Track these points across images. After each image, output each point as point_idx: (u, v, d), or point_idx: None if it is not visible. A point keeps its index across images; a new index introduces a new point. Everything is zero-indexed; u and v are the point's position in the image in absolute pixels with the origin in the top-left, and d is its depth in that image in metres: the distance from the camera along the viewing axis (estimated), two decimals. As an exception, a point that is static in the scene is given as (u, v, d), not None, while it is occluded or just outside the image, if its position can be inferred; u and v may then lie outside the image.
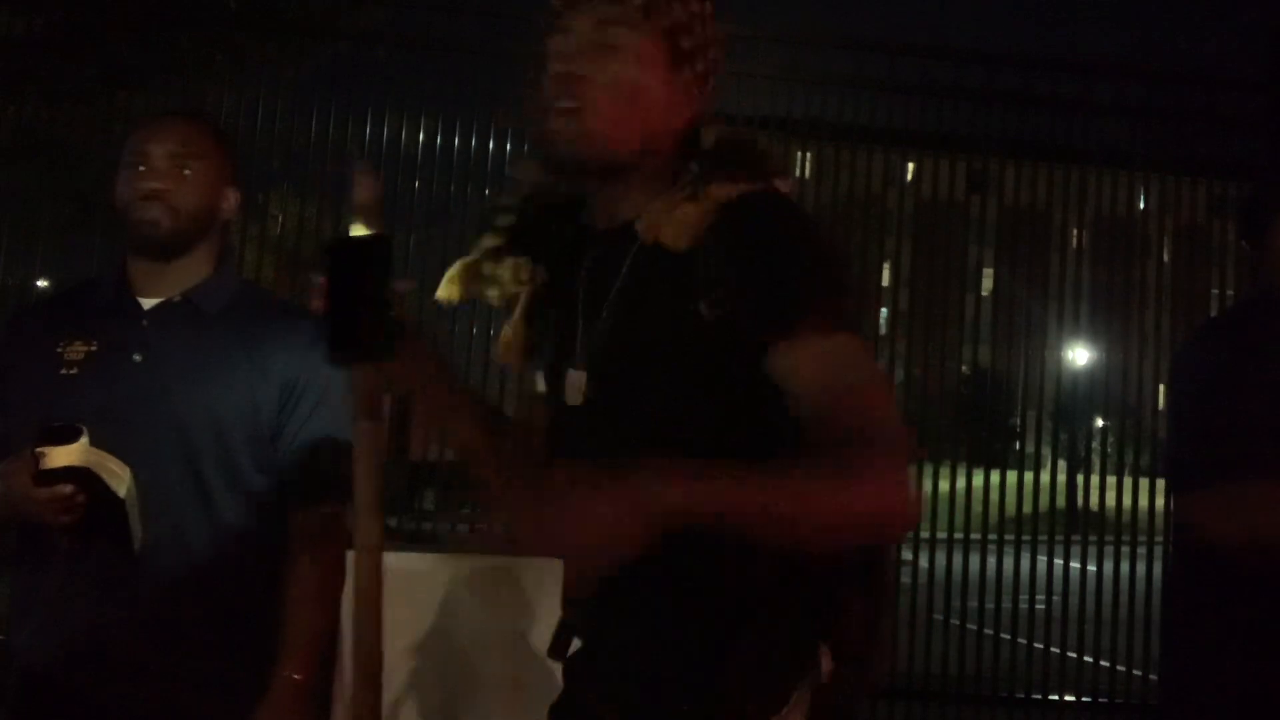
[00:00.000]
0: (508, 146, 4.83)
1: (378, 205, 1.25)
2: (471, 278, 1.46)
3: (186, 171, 1.98)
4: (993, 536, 5.51)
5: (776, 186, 1.33)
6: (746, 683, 1.29)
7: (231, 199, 2.07)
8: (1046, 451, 6.16)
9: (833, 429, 1.20)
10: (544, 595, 3.90)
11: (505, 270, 1.45)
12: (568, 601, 1.46)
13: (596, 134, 1.31)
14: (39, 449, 1.73)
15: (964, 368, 5.90)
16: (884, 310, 6.02)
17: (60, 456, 1.73)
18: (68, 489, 1.74)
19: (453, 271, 1.47)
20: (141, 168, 1.96)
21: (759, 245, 1.26)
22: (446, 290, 1.46)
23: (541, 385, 1.49)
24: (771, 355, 1.24)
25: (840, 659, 1.30)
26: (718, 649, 1.29)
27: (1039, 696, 5.15)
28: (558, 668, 1.51)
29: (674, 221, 1.29)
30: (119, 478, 1.78)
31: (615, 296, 1.35)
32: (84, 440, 1.75)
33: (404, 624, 3.89)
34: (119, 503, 1.78)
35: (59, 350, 1.96)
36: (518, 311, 1.46)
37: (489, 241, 1.45)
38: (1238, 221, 2.52)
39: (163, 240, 1.97)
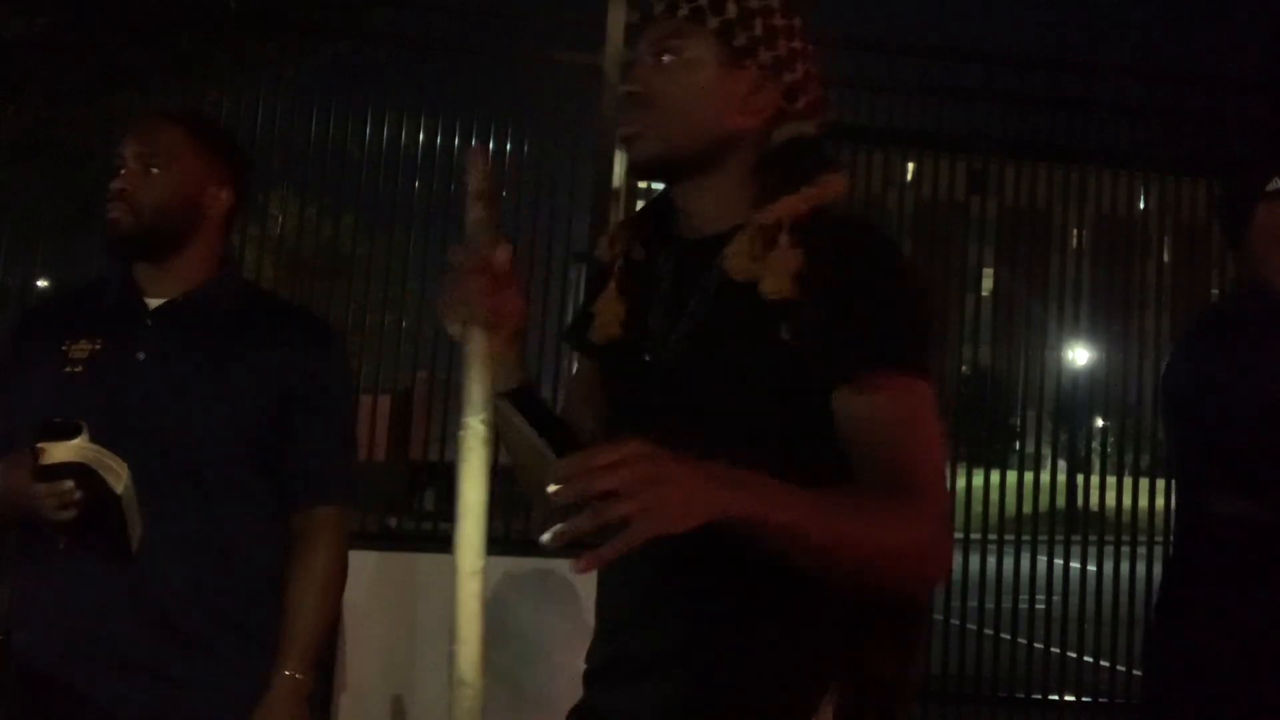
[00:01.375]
0: (507, 146, 4.82)
1: (492, 191, 1.30)
2: None
3: (154, 170, 1.98)
4: (993, 536, 5.50)
5: (832, 186, 1.37)
6: (756, 701, 1.30)
7: (222, 199, 2.06)
8: (1046, 451, 6.15)
9: (887, 474, 1.23)
10: (546, 596, 3.90)
11: (605, 243, 1.51)
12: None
13: (652, 140, 1.39)
14: (38, 444, 1.74)
15: (964, 368, 5.88)
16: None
17: (59, 452, 1.73)
18: (67, 484, 1.74)
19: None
20: (121, 170, 1.98)
21: (853, 279, 1.29)
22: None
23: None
24: (843, 391, 1.27)
25: (862, 702, 1.31)
26: (736, 667, 1.31)
27: (1039, 696, 5.14)
28: (561, 666, 1.51)
29: (771, 272, 1.31)
30: (117, 475, 1.78)
31: (696, 307, 1.38)
32: (83, 436, 1.75)
33: (405, 623, 3.89)
34: (116, 499, 1.78)
35: (64, 349, 1.97)
36: (611, 285, 1.48)
37: (614, 228, 1.53)
38: (1218, 215, 2.52)
39: (125, 238, 1.98)
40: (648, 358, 1.42)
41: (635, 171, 1.44)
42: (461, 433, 1.19)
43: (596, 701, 1.45)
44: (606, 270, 1.50)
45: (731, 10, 1.39)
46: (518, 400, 1.22)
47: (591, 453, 1.09)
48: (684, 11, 1.39)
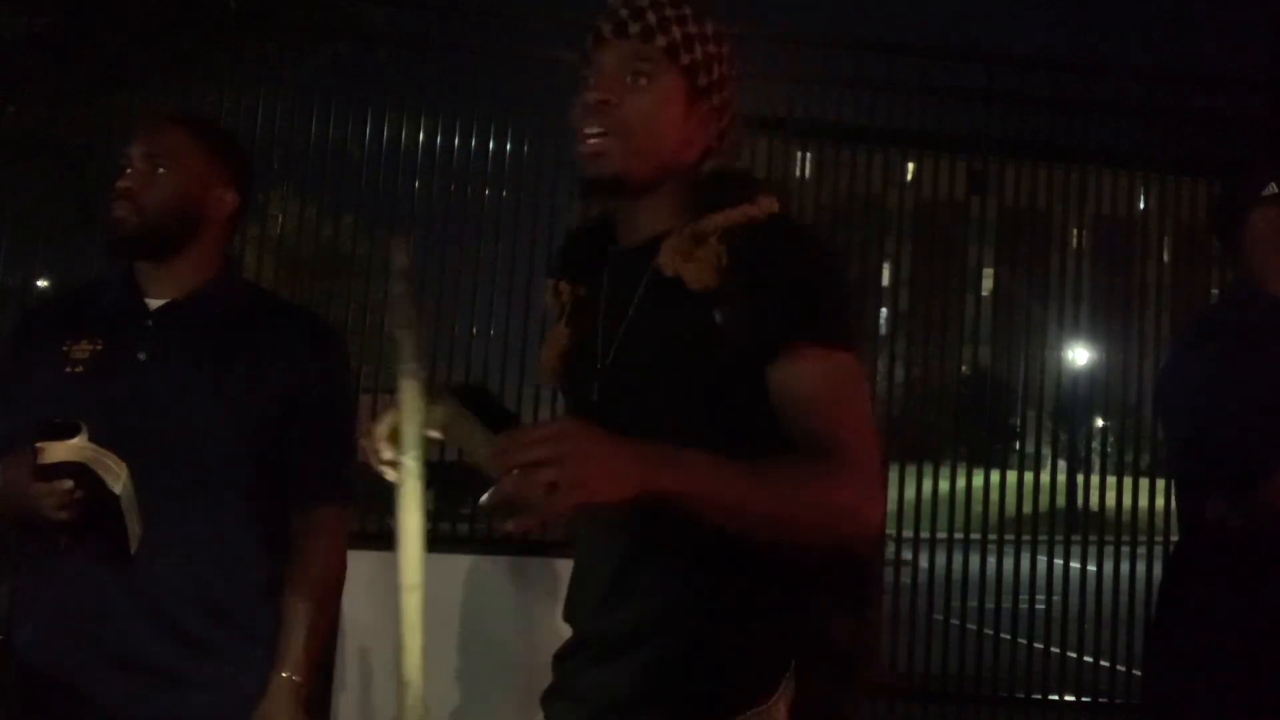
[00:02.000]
0: (507, 146, 4.83)
1: (411, 270, 1.46)
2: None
3: (160, 170, 1.98)
4: (993, 536, 5.50)
5: (767, 205, 1.45)
6: (718, 679, 1.38)
7: (227, 200, 2.06)
8: (1046, 451, 6.15)
9: (814, 439, 1.31)
10: (543, 594, 3.90)
11: (549, 295, 1.62)
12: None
13: (619, 157, 1.45)
14: (37, 444, 1.74)
15: (964, 368, 5.89)
16: (884, 310, 6.02)
17: (58, 452, 1.73)
18: (66, 484, 1.74)
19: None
20: (127, 170, 1.98)
21: (771, 265, 1.38)
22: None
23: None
24: (771, 367, 1.36)
25: (821, 673, 1.38)
26: (698, 647, 1.39)
27: (1039, 696, 5.14)
28: (544, 653, 1.58)
29: (694, 264, 1.40)
30: (116, 475, 1.78)
31: (634, 306, 1.47)
32: (82, 436, 1.75)
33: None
34: (114, 499, 1.78)
35: (65, 349, 1.97)
36: (559, 322, 1.60)
37: (549, 282, 1.64)
38: (1213, 218, 2.51)
39: (128, 237, 1.97)
40: (599, 365, 1.51)
41: (590, 187, 1.50)
42: (399, 469, 1.37)
43: (566, 682, 1.52)
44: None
45: (698, 52, 1.48)
46: (463, 394, 1.30)
47: (523, 429, 1.17)
48: (661, 42, 1.46)
